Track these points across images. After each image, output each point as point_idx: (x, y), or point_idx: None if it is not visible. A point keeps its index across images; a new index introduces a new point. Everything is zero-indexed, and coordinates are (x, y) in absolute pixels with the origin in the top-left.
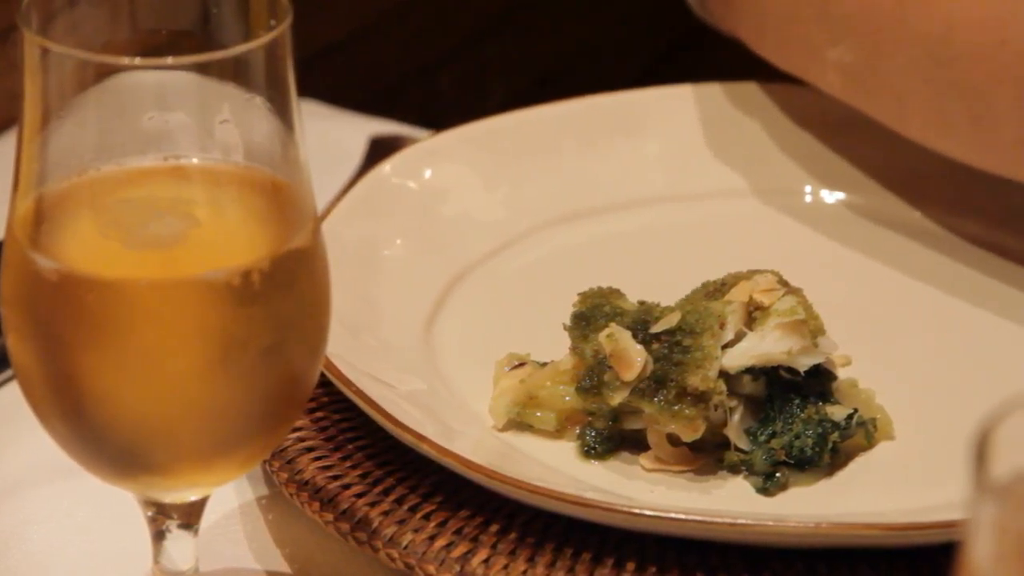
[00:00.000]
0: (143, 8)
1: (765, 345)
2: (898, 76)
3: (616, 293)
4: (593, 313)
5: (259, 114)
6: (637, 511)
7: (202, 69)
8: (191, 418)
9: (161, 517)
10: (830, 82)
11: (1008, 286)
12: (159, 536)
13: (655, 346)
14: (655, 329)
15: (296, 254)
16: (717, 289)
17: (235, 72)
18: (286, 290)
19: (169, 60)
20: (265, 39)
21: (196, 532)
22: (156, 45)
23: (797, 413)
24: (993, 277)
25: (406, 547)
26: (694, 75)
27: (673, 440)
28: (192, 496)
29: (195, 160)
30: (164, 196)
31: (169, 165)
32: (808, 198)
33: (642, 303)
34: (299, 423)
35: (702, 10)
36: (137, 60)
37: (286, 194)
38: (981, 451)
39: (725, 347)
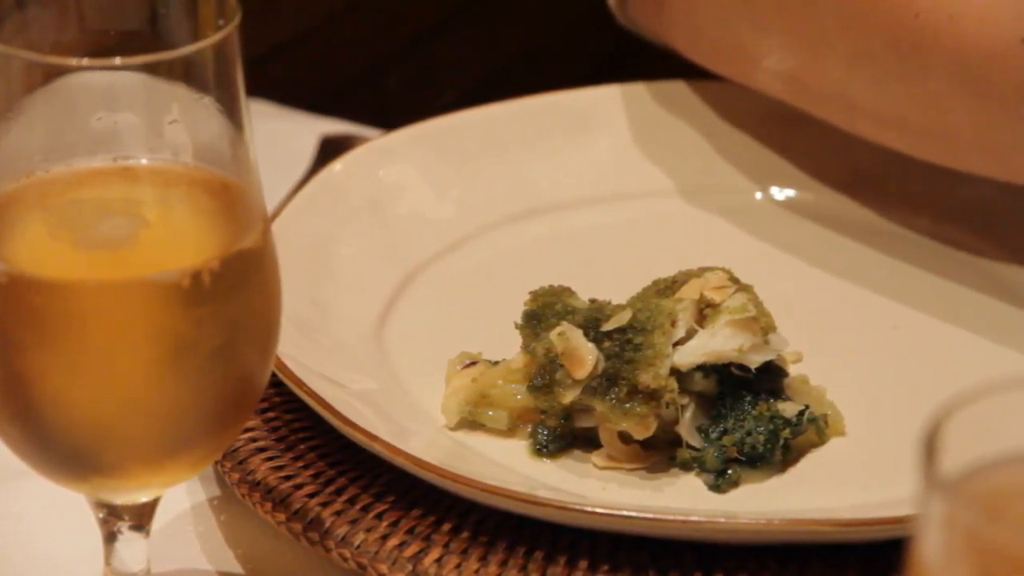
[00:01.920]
0: (91, 9)
1: (716, 342)
2: (843, 78)
3: (567, 291)
4: (544, 311)
5: (208, 114)
6: (589, 509)
7: (151, 70)
8: (141, 419)
9: (112, 519)
10: (773, 87)
11: (958, 282)
12: (111, 538)
13: (606, 344)
14: (606, 327)
15: (246, 254)
16: (668, 287)
17: (184, 72)
18: (236, 290)
19: (117, 61)
20: (214, 39)
21: (148, 533)
22: (105, 46)
23: (748, 410)
24: (943, 273)
25: (358, 547)
26: (645, 74)
27: (625, 438)
28: (143, 497)
29: (144, 161)
30: (113, 197)
31: (118, 166)
32: (758, 195)
33: (593, 301)
34: (251, 423)
35: (624, 17)
36: (85, 61)
37: (236, 194)
38: (930, 447)
39: (676, 344)
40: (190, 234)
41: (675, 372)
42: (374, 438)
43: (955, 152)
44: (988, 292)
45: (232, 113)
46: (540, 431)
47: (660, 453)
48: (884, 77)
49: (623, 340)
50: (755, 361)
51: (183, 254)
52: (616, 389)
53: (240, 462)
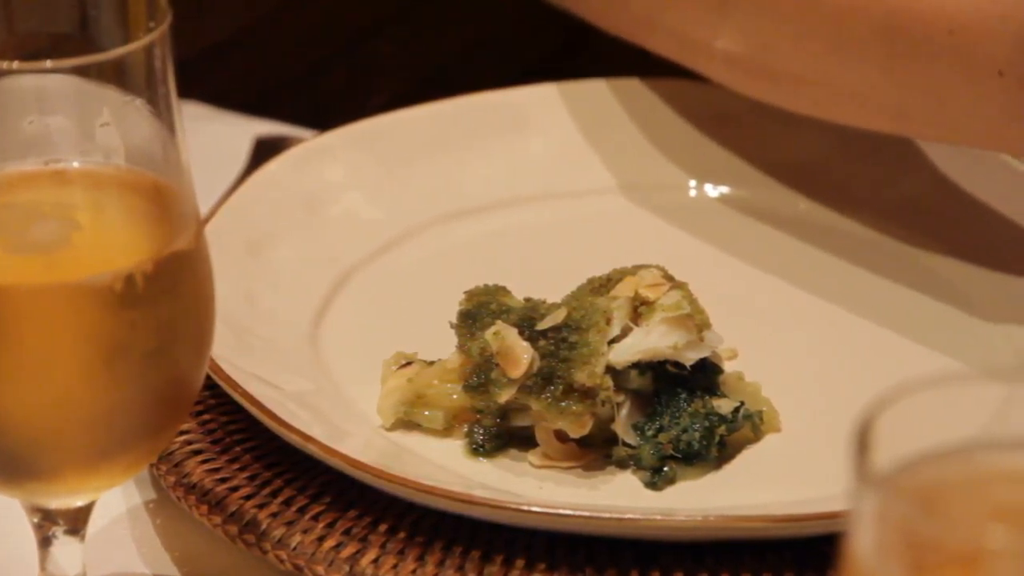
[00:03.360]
0: (21, 12)
1: (651, 340)
2: (792, 57)
3: (502, 290)
4: (479, 311)
5: (140, 116)
6: (525, 508)
7: (82, 72)
8: (75, 423)
9: (47, 523)
10: (716, 70)
11: (892, 278)
12: (45, 542)
13: (542, 343)
14: (541, 326)
15: (179, 256)
16: (603, 285)
17: (115, 75)
18: (169, 293)
19: (48, 64)
20: (144, 41)
21: (83, 538)
22: (35, 49)
23: (684, 407)
24: (877, 269)
25: (295, 548)
26: (579, 74)
27: (561, 436)
28: (78, 501)
29: (76, 164)
30: (45, 200)
31: (50, 169)
32: (692, 192)
33: (528, 300)
34: (186, 426)
35: None
36: (16, 64)
37: (168, 197)
38: (862, 442)
39: (611, 343)
40: (123, 237)
41: (610, 370)
42: (309, 439)
43: (903, 123)
44: (922, 288)
45: (164, 115)
46: (476, 430)
47: (596, 451)
48: (832, 63)
49: (558, 339)
50: (690, 358)
51: (116, 257)
52: (552, 388)
53: (175, 465)
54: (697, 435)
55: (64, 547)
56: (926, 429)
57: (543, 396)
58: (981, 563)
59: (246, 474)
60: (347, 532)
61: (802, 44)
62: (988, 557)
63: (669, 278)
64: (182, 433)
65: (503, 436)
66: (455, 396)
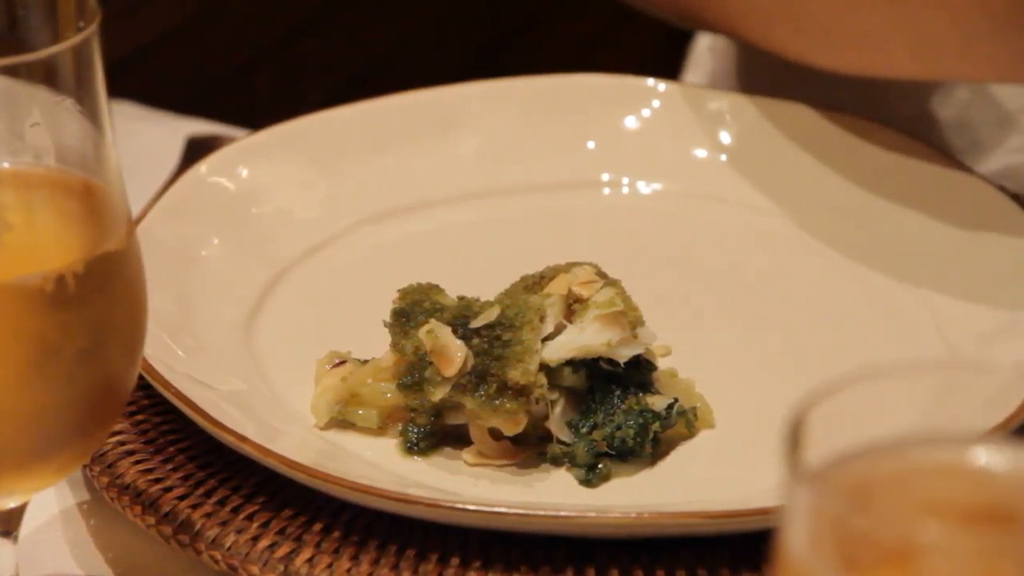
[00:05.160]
0: None
1: (585, 337)
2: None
3: (435, 289)
4: (413, 309)
5: (70, 117)
6: (460, 506)
7: (10, 72)
8: (6, 424)
9: None
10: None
11: (823, 274)
12: None
13: (475, 341)
14: (475, 324)
15: (110, 257)
16: (536, 282)
17: (44, 75)
18: (101, 293)
19: None
20: (73, 41)
21: (15, 539)
22: None
23: (618, 404)
24: (809, 265)
25: (229, 548)
26: (512, 72)
27: (495, 434)
28: (10, 503)
29: (6, 164)
30: None
31: None
32: (625, 189)
33: (462, 298)
34: (119, 427)
35: None
36: None
37: (99, 197)
38: (794, 438)
39: (545, 340)
40: (53, 237)
41: (544, 367)
42: (243, 439)
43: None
44: (854, 285)
45: (94, 115)
46: (410, 429)
47: (531, 449)
48: None
49: (492, 337)
50: (624, 355)
51: (46, 258)
52: (485, 386)
53: (109, 466)
54: (631, 432)
55: None
56: (858, 424)
57: (477, 394)
58: (913, 557)
59: (180, 474)
60: (281, 531)
61: None
62: (920, 551)
63: (602, 275)
64: (115, 434)
65: (437, 434)
66: (389, 395)
